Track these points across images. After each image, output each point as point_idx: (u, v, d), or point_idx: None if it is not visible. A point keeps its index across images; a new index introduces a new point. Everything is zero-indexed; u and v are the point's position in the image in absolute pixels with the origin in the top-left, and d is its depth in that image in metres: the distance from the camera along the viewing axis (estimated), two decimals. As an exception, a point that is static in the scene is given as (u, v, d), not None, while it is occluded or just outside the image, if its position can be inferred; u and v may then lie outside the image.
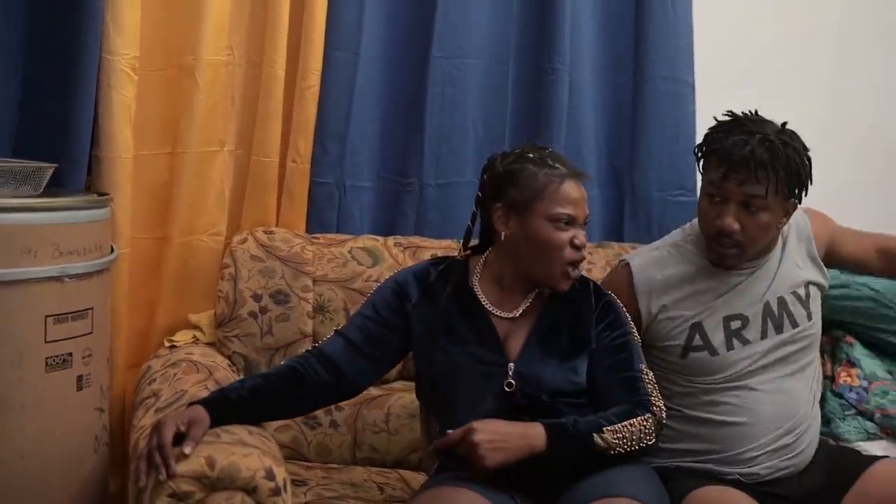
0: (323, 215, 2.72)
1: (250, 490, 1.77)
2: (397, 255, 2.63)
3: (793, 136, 2.16)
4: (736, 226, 2.12)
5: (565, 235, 2.03)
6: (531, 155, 2.09)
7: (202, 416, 1.86)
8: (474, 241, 2.20)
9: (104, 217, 2.19)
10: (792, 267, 2.28)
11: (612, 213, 3.04)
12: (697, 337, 2.20)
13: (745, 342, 2.21)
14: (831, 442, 2.50)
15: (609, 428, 1.94)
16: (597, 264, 2.77)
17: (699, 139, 2.97)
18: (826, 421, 2.64)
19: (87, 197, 2.21)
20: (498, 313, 2.09)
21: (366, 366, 2.07)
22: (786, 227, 2.27)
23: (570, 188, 2.05)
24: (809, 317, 2.27)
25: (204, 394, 2.08)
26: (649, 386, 2.05)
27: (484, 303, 2.09)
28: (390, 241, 2.68)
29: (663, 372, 2.21)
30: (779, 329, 2.23)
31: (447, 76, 2.79)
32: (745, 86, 3.17)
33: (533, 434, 1.91)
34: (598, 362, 2.08)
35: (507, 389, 2.02)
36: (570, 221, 2.04)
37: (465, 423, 1.92)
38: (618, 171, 3.04)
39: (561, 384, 2.04)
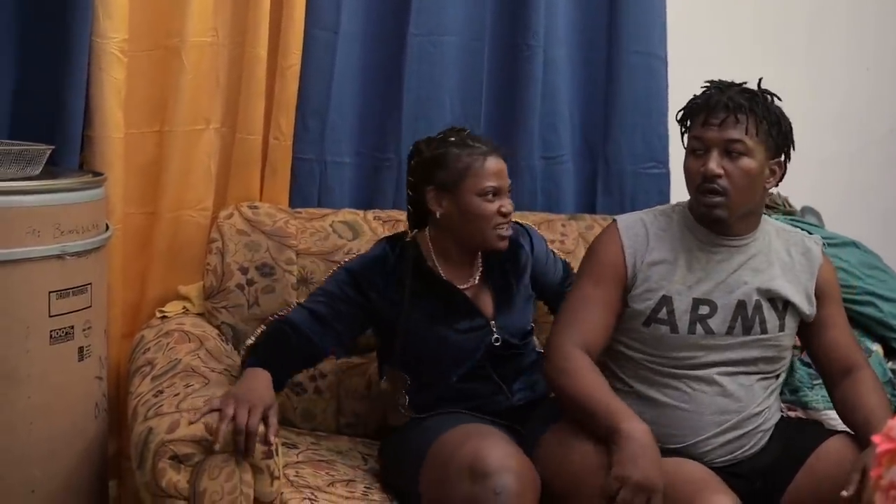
0: (305, 190, 2.88)
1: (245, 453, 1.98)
2: (376, 228, 2.81)
3: (770, 94, 2.24)
4: (719, 170, 2.17)
5: (493, 206, 2.38)
6: (453, 139, 2.42)
7: (272, 394, 2.13)
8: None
9: (99, 196, 2.37)
10: (780, 280, 2.28)
11: (585, 186, 3.23)
12: (664, 311, 2.24)
13: (709, 331, 2.23)
14: (792, 414, 2.63)
15: None
16: (569, 236, 2.98)
17: (671, 114, 3.20)
18: (793, 390, 2.77)
19: (84, 178, 2.38)
20: (459, 285, 2.44)
21: (329, 335, 2.35)
22: (784, 248, 2.31)
23: (492, 163, 2.39)
24: (782, 328, 2.28)
25: (196, 362, 2.33)
26: None
27: (446, 279, 2.43)
28: (370, 214, 2.86)
29: (627, 337, 2.28)
30: (747, 330, 2.25)
31: (424, 54, 2.95)
32: (718, 60, 3.37)
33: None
34: (549, 290, 2.62)
35: (495, 344, 2.41)
36: (497, 192, 2.38)
37: (449, 378, 2.35)
38: (591, 144, 3.22)
39: (525, 325, 2.53)
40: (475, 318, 2.43)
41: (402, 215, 2.88)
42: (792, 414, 2.68)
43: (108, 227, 2.45)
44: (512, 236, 2.46)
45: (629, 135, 3.21)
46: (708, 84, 2.27)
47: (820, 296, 2.33)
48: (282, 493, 2.09)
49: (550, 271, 2.63)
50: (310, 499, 2.14)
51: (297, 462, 2.32)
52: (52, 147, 2.39)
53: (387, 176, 2.99)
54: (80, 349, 2.27)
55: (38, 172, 2.31)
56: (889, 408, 2.27)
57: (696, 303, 2.24)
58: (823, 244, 2.39)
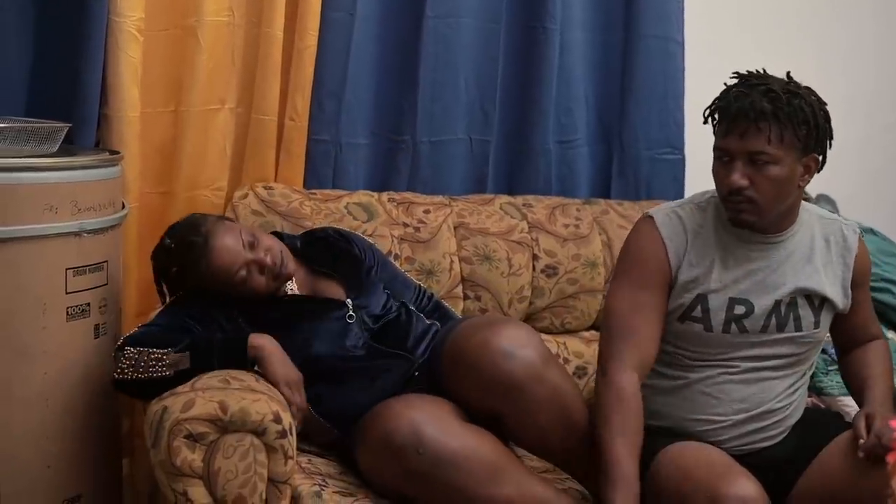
0: (319, 171, 2.89)
1: (259, 432, 1.99)
2: (391, 210, 2.82)
3: (800, 87, 2.15)
4: (744, 181, 2.10)
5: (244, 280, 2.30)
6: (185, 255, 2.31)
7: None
8: None
9: (116, 174, 2.39)
10: (818, 276, 2.24)
11: (600, 171, 3.24)
12: (699, 308, 2.20)
13: (744, 331, 2.21)
14: (808, 402, 2.60)
15: None
16: (584, 220, 2.99)
17: (688, 98, 3.21)
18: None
19: (101, 155, 2.39)
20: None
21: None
22: (823, 236, 2.27)
23: (222, 249, 2.27)
24: (817, 325, 2.25)
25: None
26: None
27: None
28: (384, 196, 2.87)
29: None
30: (781, 328, 2.22)
31: (440, 36, 2.96)
32: (734, 45, 3.38)
33: None
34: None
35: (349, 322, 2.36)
36: (248, 269, 2.29)
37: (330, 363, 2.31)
38: (607, 128, 3.23)
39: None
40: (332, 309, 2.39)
41: (416, 197, 2.93)
42: (808, 401, 2.67)
43: (124, 206, 2.46)
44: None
45: (645, 119, 3.22)
46: (733, 79, 2.19)
47: (853, 284, 2.29)
48: (293, 478, 2.10)
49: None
50: (320, 485, 2.15)
51: (309, 451, 2.33)
52: (69, 125, 2.41)
53: (402, 157, 2.99)
54: (96, 326, 2.29)
55: (54, 150, 2.31)
56: (892, 376, 2.32)
57: (733, 302, 2.21)
58: (860, 231, 2.35)
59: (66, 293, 2.21)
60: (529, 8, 3.07)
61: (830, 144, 2.19)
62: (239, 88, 2.82)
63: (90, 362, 2.29)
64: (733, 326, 2.20)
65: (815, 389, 2.78)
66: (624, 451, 2.05)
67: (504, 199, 3.03)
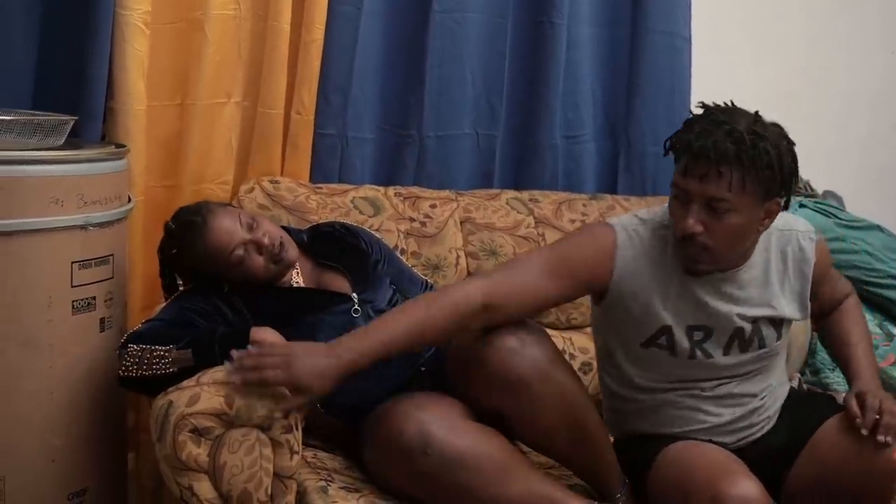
0: (325, 165, 2.89)
1: (265, 427, 1.99)
2: (397, 204, 2.82)
3: (767, 127, 2.01)
4: (699, 228, 1.99)
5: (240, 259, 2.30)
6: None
7: None
8: None
9: (122, 168, 2.38)
10: (777, 299, 2.17)
11: (606, 166, 3.24)
12: (664, 339, 2.15)
13: (708, 356, 2.16)
14: (804, 388, 2.63)
15: None
16: (591, 216, 2.99)
17: (695, 94, 3.20)
18: (815, 371, 2.81)
19: (107, 149, 2.39)
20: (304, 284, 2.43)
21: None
22: (780, 249, 2.18)
23: (219, 229, 2.28)
24: (779, 337, 2.21)
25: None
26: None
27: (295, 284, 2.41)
28: (390, 190, 2.87)
29: (624, 353, 2.21)
30: (744, 349, 2.17)
31: (447, 30, 2.96)
32: (740, 41, 3.38)
33: None
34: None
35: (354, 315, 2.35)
36: (246, 248, 2.30)
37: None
38: (613, 124, 3.23)
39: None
40: (337, 302, 2.37)
41: (422, 192, 2.92)
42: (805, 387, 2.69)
43: (130, 199, 2.45)
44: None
45: (651, 115, 3.22)
46: (699, 110, 2.06)
47: (816, 283, 2.22)
48: (299, 473, 2.10)
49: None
50: (326, 480, 2.14)
51: (315, 446, 2.32)
52: (75, 118, 2.40)
53: (408, 152, 2.99)
54: (102, 320, 2.28)
55: (60, 143, 2.31)
56: (869, 336, 2.32)
57: (691, 329, 2.14)
58: (817, 235, 2.24)
59: (72, 286, 2.20)
60: (536, 3, 3.07)
61: (791, 192, 2.07)
62: (245, 82, 2.82)
63: (96, 356, 2.28)
64: (698, 353, 2.15)
65: (821, 385, 2.79)
66: (399, 322, 2.03)
67: (510, 194, 3.02)
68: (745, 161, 1.95)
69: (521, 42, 3.08)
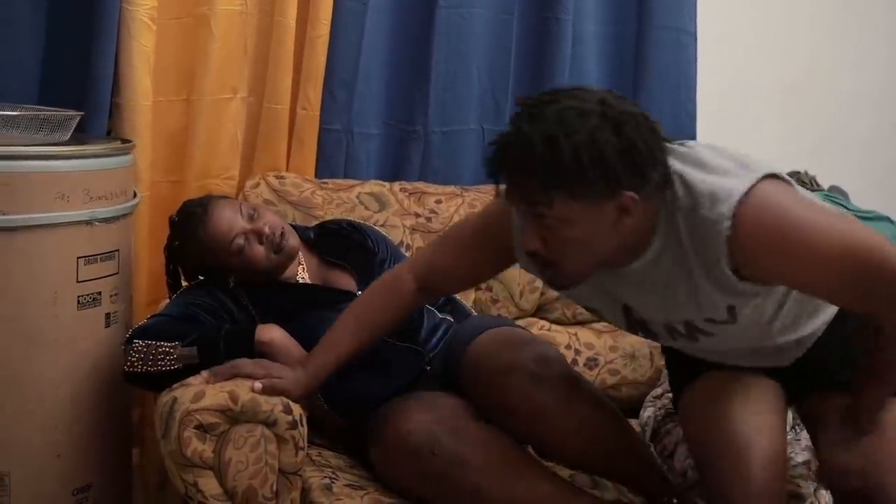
0: (331, 161, 2.88)
1: (270, 423, 1.97)
2: (402, 200, 2.81)
3: (584, 115, 1.60)
4: (537, 244, 1.69)
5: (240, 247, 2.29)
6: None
7: None
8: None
9: (128, 163, 2.37)
10: (703, 292, 1.74)
11: (611, 162, 3.24)
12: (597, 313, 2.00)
13: (653, 336, 1.96)
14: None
15: None
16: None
17: (700, 90, 3.19)
18: None
19: (113, 144, 2.38)
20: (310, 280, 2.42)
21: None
22: (700, 229, 1.67)
23: (219, 218, 2.29)
24: (732, 311, 1.78)
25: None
26: None
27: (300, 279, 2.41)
28: (396, 186, 2.86)
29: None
30: (692, 338, 1.87)
31: (453, 26, 2.95)
32: (747, 36, 3.36)
33: None
34: None
35: None
36: (247, 238, 2.29)
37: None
38: (619, 120, 3.23)
39: None
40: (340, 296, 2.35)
41: (428, 187, 2.91)
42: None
43: (136, 195, 2.45)
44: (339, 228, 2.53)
45: (657, 111, 3.13)
46: (518, 105, 1.69)
47: (757, 278, 1.72)
48: (304, 470, 2.09)
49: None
50: (330, 477, 2.14)
51: (320, 444, 2.32)
52: (81, 113, 2.39)
53: (414, 147, 2.98)
54: (107, 315, 2.28)
55: (66, 138, 2.30)
56: None
57: (627, 309, 1.90)
58: (736, 206, 1.64)
59: (78, 282, 2.19)
60: (542, -1, 3.05)
61: (655, 166, 1.65)
62: (251, 77, 2.81)
63: (101, 351, 2.27)
64: (640, 332, 1.96)
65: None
66: (342, 327, 2.08)
67: (515, 189, 2.99)
68: (541, 170, 1.60)
69: (526, 38, 3.06)
